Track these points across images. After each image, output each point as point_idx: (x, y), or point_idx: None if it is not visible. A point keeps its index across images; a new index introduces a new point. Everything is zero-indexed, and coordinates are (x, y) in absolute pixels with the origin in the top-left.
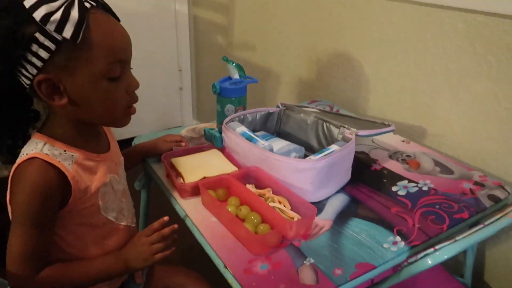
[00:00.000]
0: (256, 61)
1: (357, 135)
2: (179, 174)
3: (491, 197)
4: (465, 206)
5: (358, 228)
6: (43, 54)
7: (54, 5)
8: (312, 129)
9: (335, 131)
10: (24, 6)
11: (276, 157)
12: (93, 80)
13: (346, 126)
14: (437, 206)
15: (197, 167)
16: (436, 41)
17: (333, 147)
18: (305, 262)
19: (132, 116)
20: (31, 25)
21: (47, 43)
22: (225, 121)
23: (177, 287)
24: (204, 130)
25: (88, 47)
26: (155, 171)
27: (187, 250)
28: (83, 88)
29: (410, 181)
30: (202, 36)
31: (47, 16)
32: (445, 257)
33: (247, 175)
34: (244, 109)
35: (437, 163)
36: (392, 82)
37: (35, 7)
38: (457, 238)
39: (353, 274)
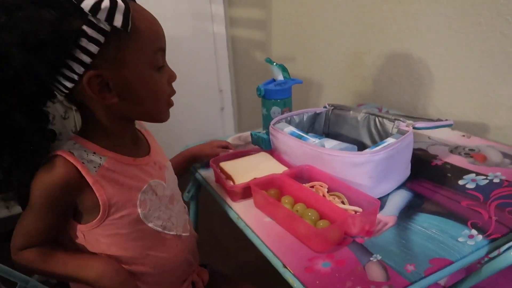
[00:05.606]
0: (298, 72)
1: (414, 127)
2: (228, 177)
3: None
4: None
5: (426, 223)
6: (92, 48)
7: None
8: (364, 126)
9: (389, 125)
10: None
11: (329, 152)
12: (142, 71)
13: (401, 119)
14: None
15: (246, 169)
16: (492, 24)
17: (389, 140)
18: (371, 258)
19: (176, 137)
20: (77, 18)
21: (96, 35)
22: (272, 122)
23: None
24: (251, 134)
25: (136, 36)
26: (204, 177)
27: (246, 264)
28: (132, 80)
29: (478, 174)
30: (240, 55)
31: (96, 5)
32: None
33: (300, 174)
34: (290, 111)
35: (505, 155)
36: (444, 76)
37: None
38: None
39: (427, 270)
